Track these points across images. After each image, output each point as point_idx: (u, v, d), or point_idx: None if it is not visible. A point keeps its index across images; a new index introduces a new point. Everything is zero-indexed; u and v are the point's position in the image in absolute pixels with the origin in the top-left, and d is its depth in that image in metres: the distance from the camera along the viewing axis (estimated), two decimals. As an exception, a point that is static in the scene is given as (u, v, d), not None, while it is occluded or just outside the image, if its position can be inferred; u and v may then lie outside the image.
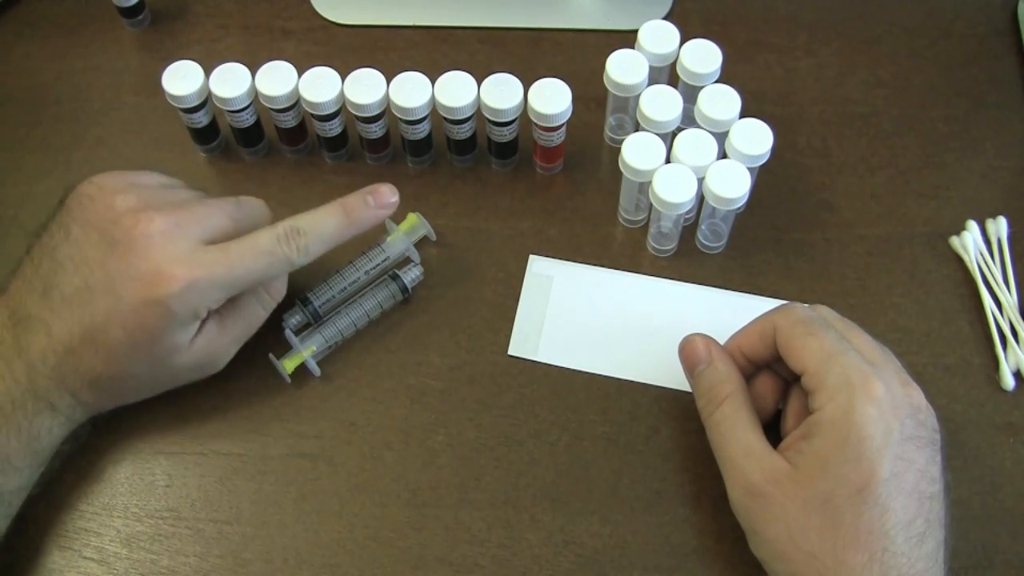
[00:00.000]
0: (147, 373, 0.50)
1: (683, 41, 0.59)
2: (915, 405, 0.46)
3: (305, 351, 0.55)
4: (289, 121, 0.60)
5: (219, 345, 0.51)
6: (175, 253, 0.47)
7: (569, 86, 0.58)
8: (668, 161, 0.56)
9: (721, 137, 0.56)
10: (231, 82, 0.58)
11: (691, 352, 0.51)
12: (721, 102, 0.57)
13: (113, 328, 0.47)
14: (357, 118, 0.59)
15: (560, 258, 0.59)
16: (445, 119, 0.59)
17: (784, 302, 0.51)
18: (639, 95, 0.57)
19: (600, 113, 0.64)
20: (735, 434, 0.48)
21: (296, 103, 0.59)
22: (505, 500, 0.52)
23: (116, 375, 0.49)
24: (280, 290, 0.53)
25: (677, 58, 0.59)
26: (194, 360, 0.51)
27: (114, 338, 0.47)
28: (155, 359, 0.49)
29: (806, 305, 0.50)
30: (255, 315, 0.53)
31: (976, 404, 0.55)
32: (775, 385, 0.51)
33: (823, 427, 0.45)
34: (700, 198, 0.56)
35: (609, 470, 0.53)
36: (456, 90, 0.57)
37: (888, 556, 0.42)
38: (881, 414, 0.44)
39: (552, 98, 0.57)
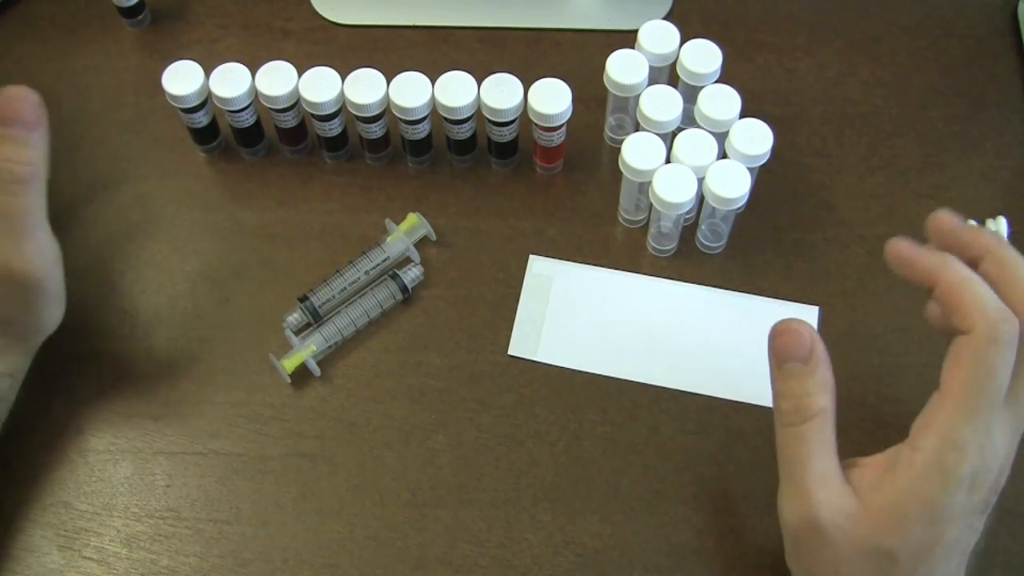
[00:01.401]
0: None
1: (683, 41, 0.59)
2: (1000, 483, 0.43)
3: (305, 351, 0.55)
4: (289, 121, 0.60)
5: None
6: None
7: (569, 86, 0.58)
8: (668, 161, 0.56)
9: (721, 137, 0.56)
10: (231, 82, 0.58)
11: (793, 341, 0.43)
12: (721, 102, 0.57)
13: None
14: (357, 118, 0.59)
15: (560, 258, 0.59)
16: (445, 119, 0.59)
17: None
18: (639, 95, 0.57)
19: (600, 113, 0.64)
20: (816, 458, 0.42)
21: (296, 103, 0.59)
22: (505, 500, 0.52)
23: None
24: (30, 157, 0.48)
25: (677, 58, 0.59)
26: None
27: None
28: None
29: (1010, 320, 0.40)
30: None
31: (976, 404, 0.55)
32: None
33: (915, 474, 0.41)
34: (700, 198, 0.56)
35: (609, 470, 0.53)
36: (456, 90, 0.57)
37: None
38: (972, 487, 0.41)
39: (552, 98, 0.57)
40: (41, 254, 0.49)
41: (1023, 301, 0.41)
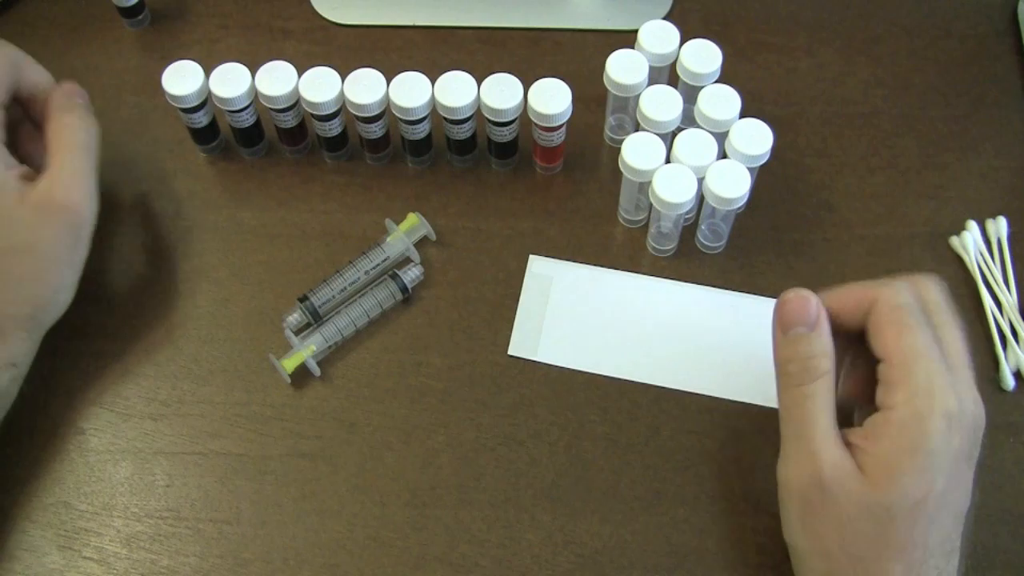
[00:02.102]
0: None
1: (683, 41, 0.59)
2: (977, 424, 0.44)
3: (305, 351, 0.55)
4: (289, 121, 0.60)
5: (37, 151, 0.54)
6: None
7: (569, 86, 0.58)
8: (668, 161, 0.56)
9: (721, 137, 0.56)
10: (231, 82, 0.58)
11: (799, 308, 0.45)
12: (721, 102, 0.57)
13: None
14: (357, 118, 0.59)
15: (560, 258, 0.59)
16: (445, 119, 0.59)
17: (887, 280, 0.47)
18: (639, 95, 0.57)
19: (600, 113, 0.64)
20: (821, 418, 0.44)
21: (296, 103, 0.59)
22: (505, 500, 0.52)
23: None
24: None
25: (677, 58, 0.59)
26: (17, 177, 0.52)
27: None
28: None
29: (908, 285, 0.46)
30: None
31: (976, 404, 0.55)
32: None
33: (894, 430, 0.43)
34: (700, 198, 0.56)
35: (609, 470, 0.53)
36: (456, 90, 0.57)
37: (926, 569, 0.42)
38: (949, 429, 0.43)
39: (552, 98, 0.57)
40: (92, 199, 0.53)
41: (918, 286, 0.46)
